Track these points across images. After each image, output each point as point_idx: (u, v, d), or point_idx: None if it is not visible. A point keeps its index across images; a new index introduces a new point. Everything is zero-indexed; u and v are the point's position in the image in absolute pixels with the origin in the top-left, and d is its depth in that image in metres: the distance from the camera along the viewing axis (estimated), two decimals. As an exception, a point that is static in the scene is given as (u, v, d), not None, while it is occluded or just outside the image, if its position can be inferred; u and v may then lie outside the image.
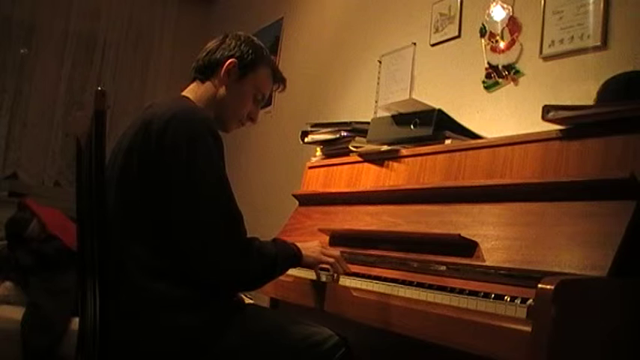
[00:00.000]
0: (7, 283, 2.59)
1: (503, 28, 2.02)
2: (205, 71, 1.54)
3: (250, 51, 1.54)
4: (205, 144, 1.31)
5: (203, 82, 1.54)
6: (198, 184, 1.29)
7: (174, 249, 1.29)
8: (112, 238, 1.25)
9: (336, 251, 1.56)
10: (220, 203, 1.31)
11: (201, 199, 1.29)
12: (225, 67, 1.51)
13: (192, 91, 1.54)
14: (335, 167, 2.11)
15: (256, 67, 1.55)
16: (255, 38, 1.60)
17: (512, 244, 1.29)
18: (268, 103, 3.45)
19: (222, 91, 1.52)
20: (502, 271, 1.24)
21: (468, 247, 1.35)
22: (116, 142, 1.44)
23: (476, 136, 1.76)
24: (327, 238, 1.82)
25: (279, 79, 1.64)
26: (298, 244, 1.48)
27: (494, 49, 2.05)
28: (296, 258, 1.45)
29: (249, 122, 1.62)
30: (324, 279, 1.58)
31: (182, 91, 1.56)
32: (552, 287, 0.97)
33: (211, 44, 1.57)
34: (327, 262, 1.52)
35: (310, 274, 1.62)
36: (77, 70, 4.07)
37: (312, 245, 1.52)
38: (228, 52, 1.53)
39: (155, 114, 1.34)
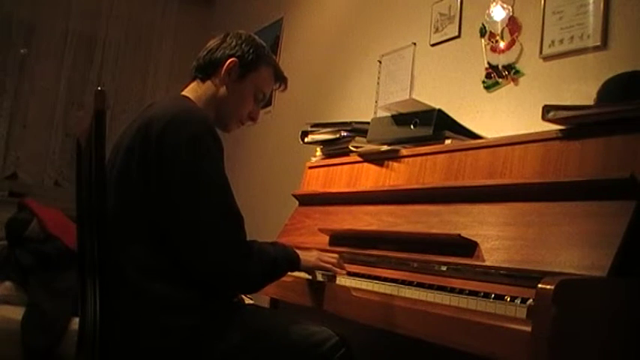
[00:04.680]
0: (7, 283, 2.58)
1: (503, 28, 2.02)
2: (206, 70, 1.53)
3: (251, 50, 1.53)
4: (205, 145, 1.31)
5: (204, 81, 1.53)
6: (198, 185, 1.29)
7: (174, 249, 1.28)
8: (111, 238, 1.25)
9: (333, 257, 1.57)
10: (220, 203, 1.31)
11: (201, 200, 1.29)
12: (225, 66, 1.51)
13: (193, 91, 1.53)
14: (335, 167, 2.11)
15: (257, 67, 1.55)
16: (256, 37, 1.59)
17: (512, 244, 1.28)
18: (268, 103, 3.45)
19: (222, 90, 1.52)
20: (502, 271, 1.24)
21: (468, 247, 1.35)
22: (115, 142, 1.44)
23: (476, 136, 1.76)
24: (327, 238, 1.82)
25: (280, 79, 1.63)
26: (297, 251, 1.49)
27: (494, 49, 2.05)
28: (294, 263, 1.47)
29: (250, 122, 1.62)
30: (320, 278, 1.58)
31: (182, 90, 1.56)
32: (552, 287, 0.97)
33: (212, 43, 1.56)
34: (324, 268, 1.53)
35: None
36: (77, 70, 4.06)
37: (309, 252, 1.54)
38: (229, 52, 1.52)
39: (155, 115, 1.34)
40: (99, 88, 1.19)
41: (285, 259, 1.43)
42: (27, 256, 2.61)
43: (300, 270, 1.52)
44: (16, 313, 2.41)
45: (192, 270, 1.29)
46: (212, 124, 1.37)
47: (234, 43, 1.53)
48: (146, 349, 1.25)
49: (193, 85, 1.55)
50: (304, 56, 3.30)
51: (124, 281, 1.26)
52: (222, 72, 1.51)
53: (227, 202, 1.32)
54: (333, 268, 1.54)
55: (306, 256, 1.51)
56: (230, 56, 1.52)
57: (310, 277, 1.60)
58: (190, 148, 1.29)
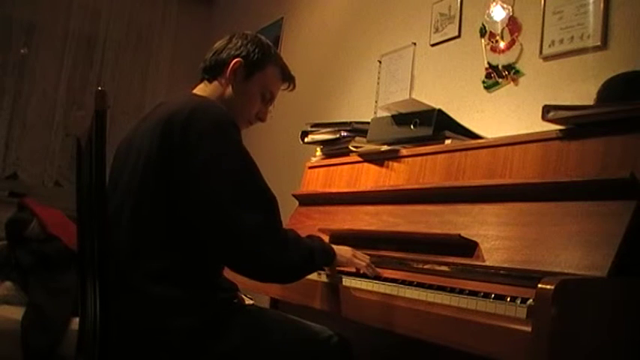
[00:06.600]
0: (7, 283, 2.58)
1: (503, 28, 2.02)
2: (212, 71, 1.53)
3: (257, 50, 1.52)
4: (231, 133, 1.30)
5: (210, 82, 1.53)
6: (226, 171, 1.26)
7: (181, 248, 1.28)
8: (117, 238, 1.25)
9: (366, 256, 1.54)
10: (251, 188, 1.29)
11: (229, 185, 1.26)
12: (231, 66, 1.50)
13: (201, 91, 1.53)
14: (335, 167, 2.11)
15: (263, 66, 1.54)
16: (262, 37, 1.58)
17: (512, 244, 1.29)
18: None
19: (229, 91, 1.51)
20: (502, 271, 1.24)
21: (468, 247, 1.35)
22: (124, 142, 1.43)
23: (476, 136, 1.76)
24: (327, 238, 1.82)
25: (288, 78, 1.62)
26: (332, 245, 1.48)
27: (494, 49, 2.05)
28: (331, 255, 1.44)
29: (258, 121, 1.62)
30: (324, 279, 1.58)
31: (189, 90, 1.56)
32: (552, 287, 0.97)
33: (218, 44, 1.56)
34: (359, 266, 1.51)
35: (310, 274, 1.62)
36: (77, 70, 4.06)
37: (344, 247, 1.52)
38: (234, 52, 1.52)
39: (174, 109, 1.32)
40: (99, 88, 1.19)
41: (322, 251, 1.41)
42: (27, 256, 2.61)
43: (333, 265, 1.48)
44: (16, 313, 2.41)
45: (226, 263, 1.29)
46: (231, 116, 1.36)
47: (239, 44, 1.53)
48: (146, 350, 1.25)
49: (201, 86, 1.55)
50: (304, 56, 3.30)
51: (125, 282, 1.26)
52: (228, 72, 1.50)
53: (257, 185, 1.30)
54: (367, 268, 1.51)
55: (341, 251, 1.48)
56: (235, 56, 1.51)
57: (315, 277, 1.59)
58: (215, 134, 1.27)
